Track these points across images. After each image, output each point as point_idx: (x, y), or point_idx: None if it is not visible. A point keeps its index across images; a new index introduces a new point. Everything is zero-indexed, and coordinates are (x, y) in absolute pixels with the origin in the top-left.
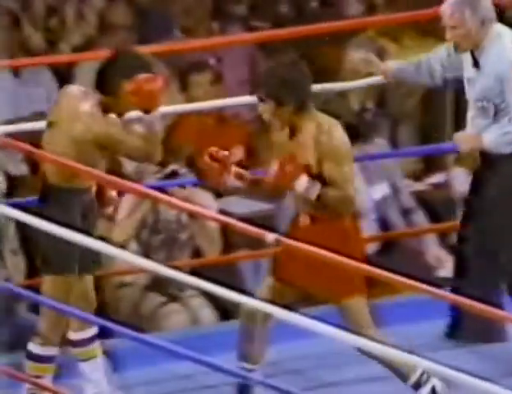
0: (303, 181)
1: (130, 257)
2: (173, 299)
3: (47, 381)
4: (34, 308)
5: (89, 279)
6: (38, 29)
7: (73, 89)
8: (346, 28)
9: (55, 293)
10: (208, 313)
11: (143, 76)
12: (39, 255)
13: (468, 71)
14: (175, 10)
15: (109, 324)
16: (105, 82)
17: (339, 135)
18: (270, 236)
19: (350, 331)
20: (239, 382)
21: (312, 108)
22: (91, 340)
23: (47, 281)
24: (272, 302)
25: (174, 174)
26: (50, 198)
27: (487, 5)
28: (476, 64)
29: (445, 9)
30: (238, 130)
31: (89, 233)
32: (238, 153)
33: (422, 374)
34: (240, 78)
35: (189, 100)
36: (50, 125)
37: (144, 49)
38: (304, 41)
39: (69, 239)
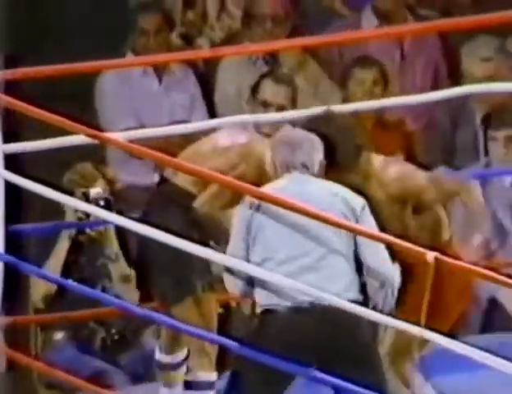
0: None
1: None
2: None
3: None
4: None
5: None
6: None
7: None
8: None
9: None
10: None
11: None
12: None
13: None
14: None
15: None
16: None
17: None
18: (430, 255)
19: None
20: None
21: None
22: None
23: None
24: None
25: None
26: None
27: None
28: None
29: None
30: (398, 135)
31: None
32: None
33: None
34: (421, 77)
35: (347, 99)
36: None
37: (300, 42)
38: None
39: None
